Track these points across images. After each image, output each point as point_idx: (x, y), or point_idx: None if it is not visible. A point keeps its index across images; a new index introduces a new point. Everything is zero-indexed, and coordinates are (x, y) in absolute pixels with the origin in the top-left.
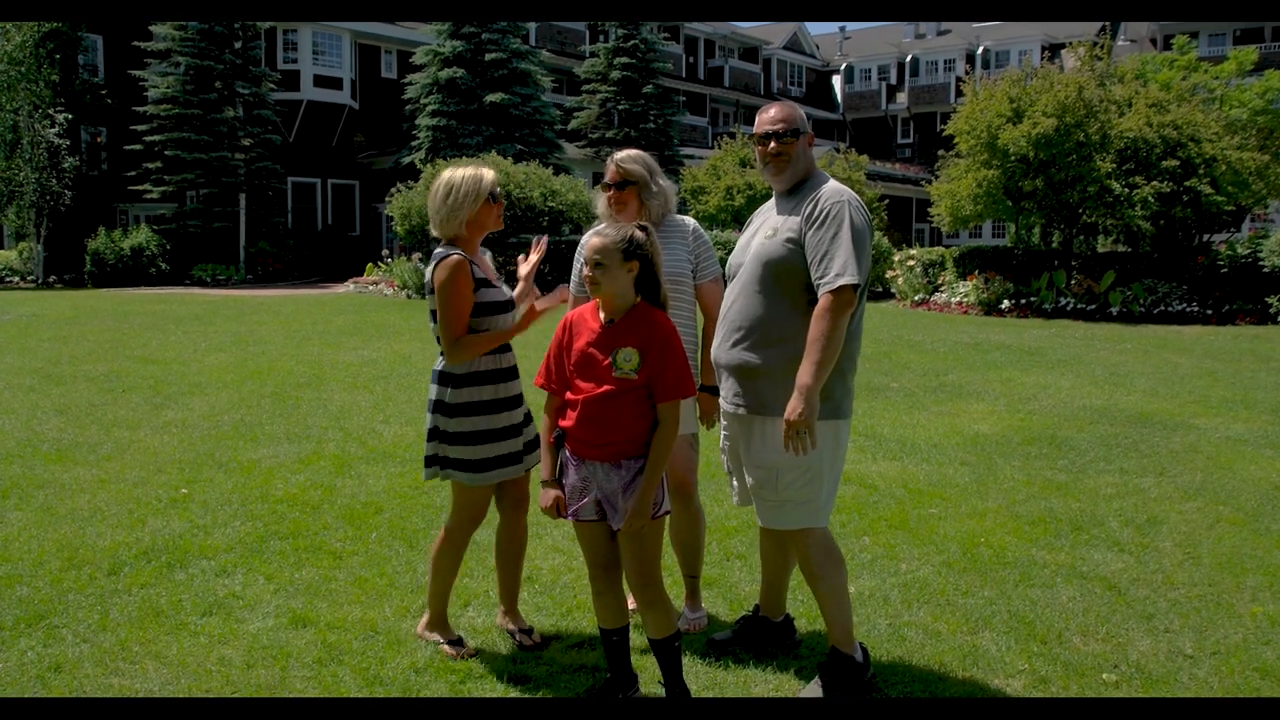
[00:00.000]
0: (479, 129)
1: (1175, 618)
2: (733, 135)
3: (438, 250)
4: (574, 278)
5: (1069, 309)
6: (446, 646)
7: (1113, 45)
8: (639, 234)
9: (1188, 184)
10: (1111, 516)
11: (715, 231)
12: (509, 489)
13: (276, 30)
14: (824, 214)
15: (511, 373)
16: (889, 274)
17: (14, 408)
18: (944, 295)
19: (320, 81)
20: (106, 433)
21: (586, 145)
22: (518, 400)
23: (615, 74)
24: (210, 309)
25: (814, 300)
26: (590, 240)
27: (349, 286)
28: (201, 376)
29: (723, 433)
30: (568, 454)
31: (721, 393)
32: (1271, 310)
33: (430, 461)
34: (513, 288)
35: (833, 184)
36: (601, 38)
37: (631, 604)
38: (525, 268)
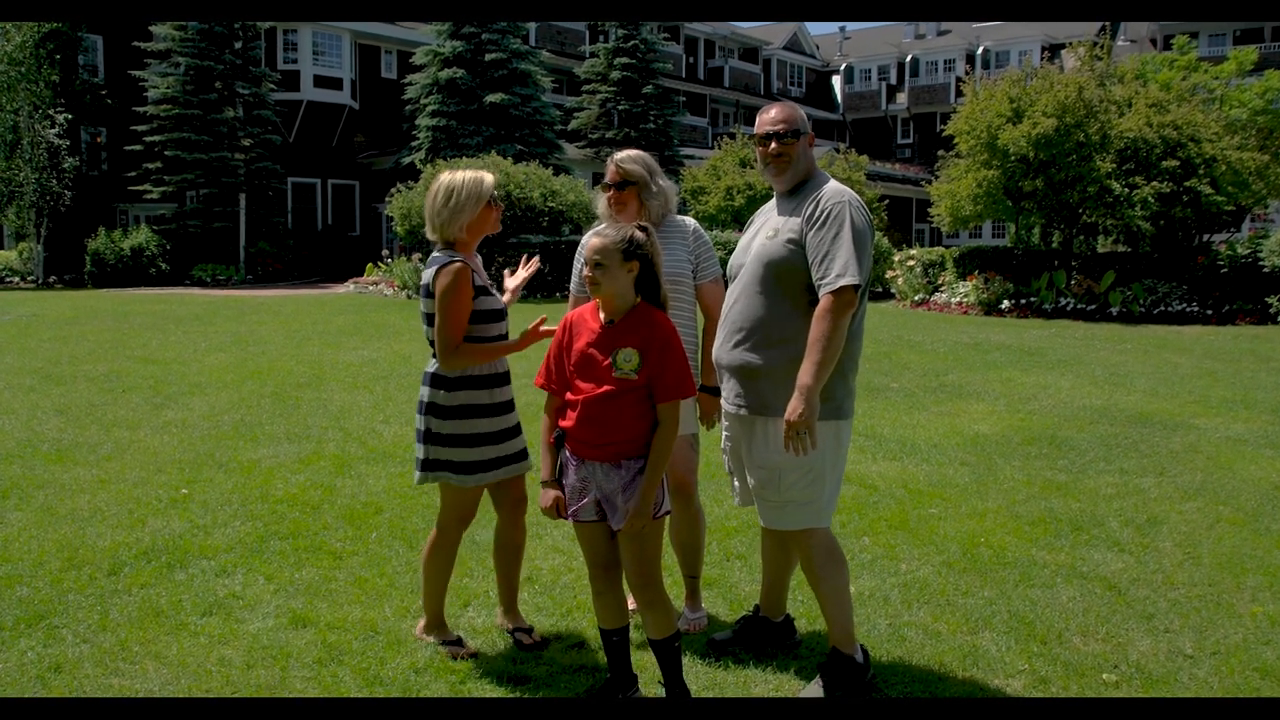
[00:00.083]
0: (479, 129)
1: (1175, 618)
2: (733, 135)
3: (437, 255)
4: (574, 278)
5: (1069, 309)
6: (445, 647)
7: (1113, 45)
8: (639, 234)
9: (1188, 184)
10: (1111, 516)
11: (715, 232)
12: (507, 489)
13: (276, 30)
14: (825, 214)
15: (505, 377)
16: (889, 274)
17: (14, 408)
18: (944, 295)
19: (320, 82)
20: (106, 433)
21: (586, 145)
22: (511, 404)
23: (615, 74)
24: (210, 309)
25: (815, 301)
26: (590, 240)
27: (349, 287)
28: (201, 376)
29: (724, 433)
30: (567, 454)
31: (723, 393)
32: (1271, 310)
33: (422, 465)
34: (500, 294)
35: (834, 184)
36: (601, 38)
37: (631, 604)
38: (513, 281)
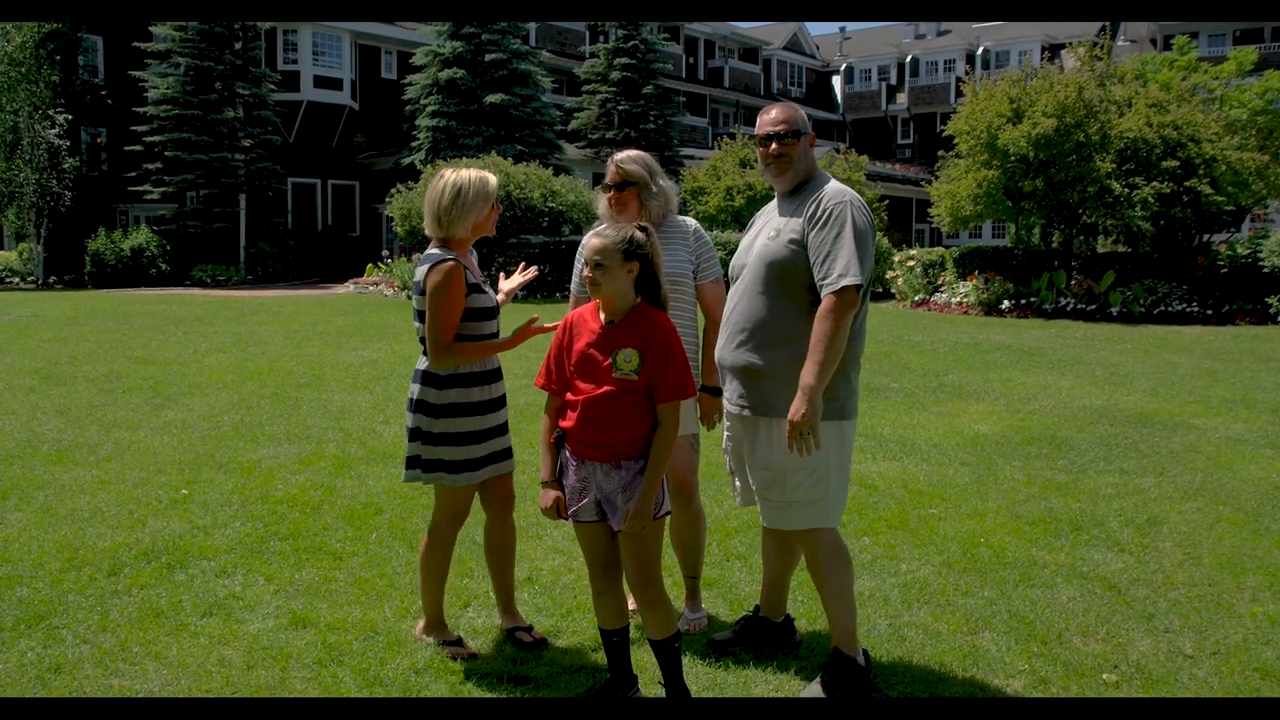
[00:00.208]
0: (479, 130)
1: (1175, 618)
2: (733, 136)
3: (432, 252)
4: (574, 278)
5: (1069, 309)
6: (445, 647)
7: (1112, 45)
8: (639, 234)
9: (1188, 184)
10: (1111, 517)
11: (715, 232)
12: (494, 488)
13: (276, 31)
14: (826, 215)
15: (496, 374)
16: (889, 274)
17: (14, 408)
18: (944, 295)
19: (320, 82)
20: (106, 433)
21: (586, 146)
22: (502, 401)
23: (615, 74)
24: (210, 310)
25: (817, 301)
26: (590, 241)
27: (349, 287)
28: (201, 377)
29: (725, 433)
30: (567, 455)
31: (725, 394)
32: (1271, 310)
33: (412, 463)
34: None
35: (835, 184)
36: (601, 38)
37: (631, 604)
38: (507, 285)
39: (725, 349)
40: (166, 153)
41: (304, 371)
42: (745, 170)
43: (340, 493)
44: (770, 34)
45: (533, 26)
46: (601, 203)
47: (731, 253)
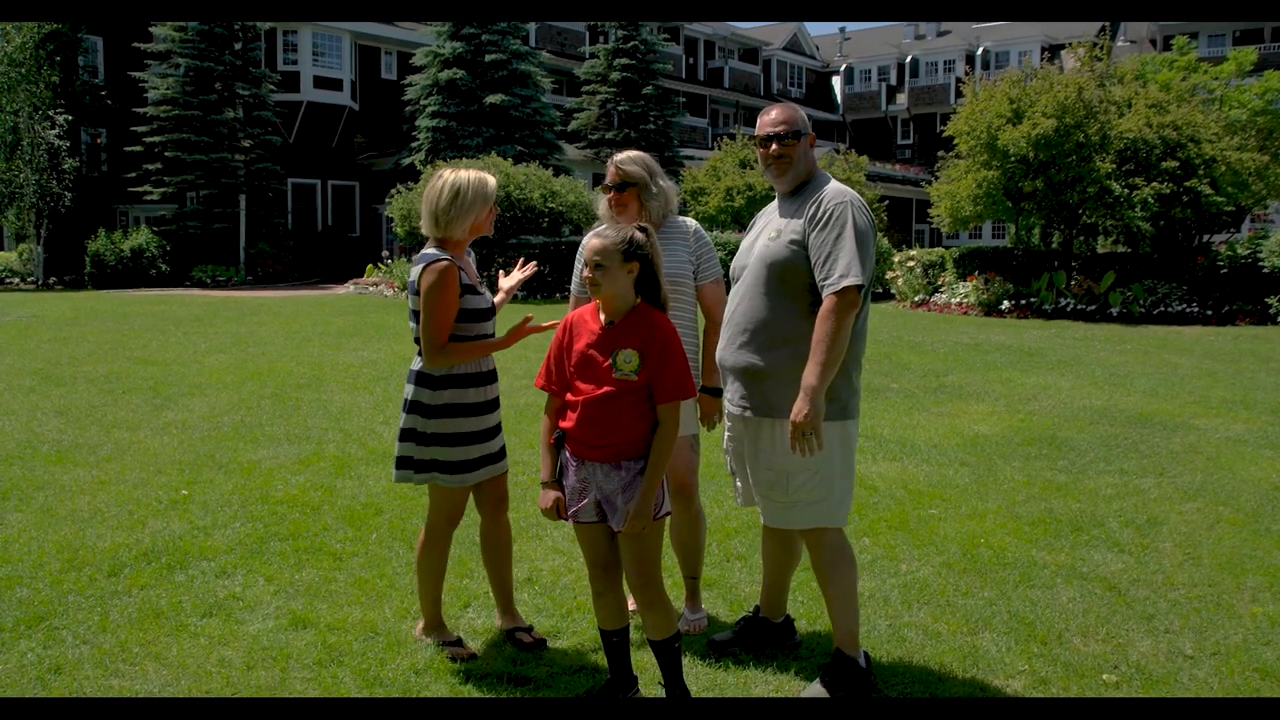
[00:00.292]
0: (479, 130)
1: (1175, 618)
2: (733, 136)
3: (427, 252)
4: (575, 279)
5: (1069, 310)
6: (445, 647)
7: (1112, 46)
8: (639, 235)
9: (1187, 185)
10: (1111, 517)
11: (715, 233)
12: (488, 489)
13: (276, 31)
14: (827, 215)
15: (491, 375)
16: (889, 275)
17: (14, 409)
18: (944, 296)
19: (320, 83)
20: (106, 434)
21: (586, 146)
22: (497, 402)
23: (615, 75)
24: (210, 310)
25: (818, 301)
26: (590, 242)
27: (349, 288)
28: (201, 378)
29: (727, 434)
30: (567, 455)
31: (727, 394)
32: (1271, 311)
33: (403, 464)
34: (492, 294)
35: (835, 185)
36: (601, 39)
37: (631, 605)
38: (507, 282)
39: (727, 350)
40: (166, 153)
41: (304, 372)
42: (745, 171)
43: (340, 493)
44: (770, 34)
45: (533, 27)
46: (602, 203)
47: (732, 253)
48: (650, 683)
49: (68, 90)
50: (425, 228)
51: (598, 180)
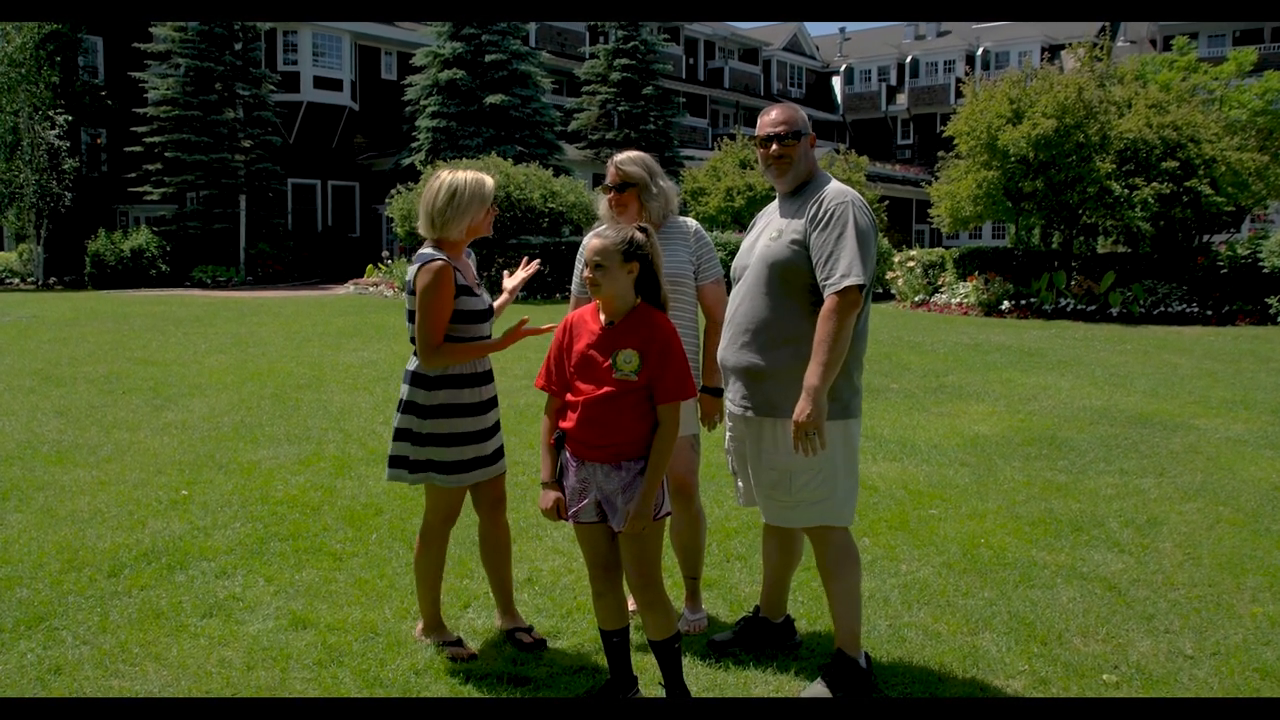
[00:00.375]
0: (479, 130)
1: (1175, 618)
2: (733, 136)
3: (423, 252)
4: (575, 279)
5: (1069, 310)
6: (445, 648)
7: (1112, 46)
8: (639, 235)
9: (1187, 185)
10: (1111, 517)
11: (715, 233)
12: (485, 490)
13: (276, 32)
14: (828, 215)
15: (487, 376)
16: (889, 275)
17: (14, 409)
18: (944, 296)
19: (320, 83)
20: (106, 434)
21: (586, 147)
22: (493, 402)
23: (615, 75)
24: (210, 310)
25: (819, 301)
26: (590, 242)
27: (349, 288)
28: (201, 378)
29: (728, 434)
30: (568, 456)
31: (728, 395)
32: (1271, 311)
33: (397, 463)
34: (495, 295)
35: (836, 185)
36: (601, 39)
37: (631, 605)
38: (511, 282)
39: (728, 350)
40: (166, 153)
41: (304, 372)
42: (745, 171)
43: (340, 494)
44: (770, 35)
45: (533, 27)
46: (602, 204)
47: (732, 253)
48: (650, 683)
49: (68, 90)
50: (422, 228)
51: (598, 180)
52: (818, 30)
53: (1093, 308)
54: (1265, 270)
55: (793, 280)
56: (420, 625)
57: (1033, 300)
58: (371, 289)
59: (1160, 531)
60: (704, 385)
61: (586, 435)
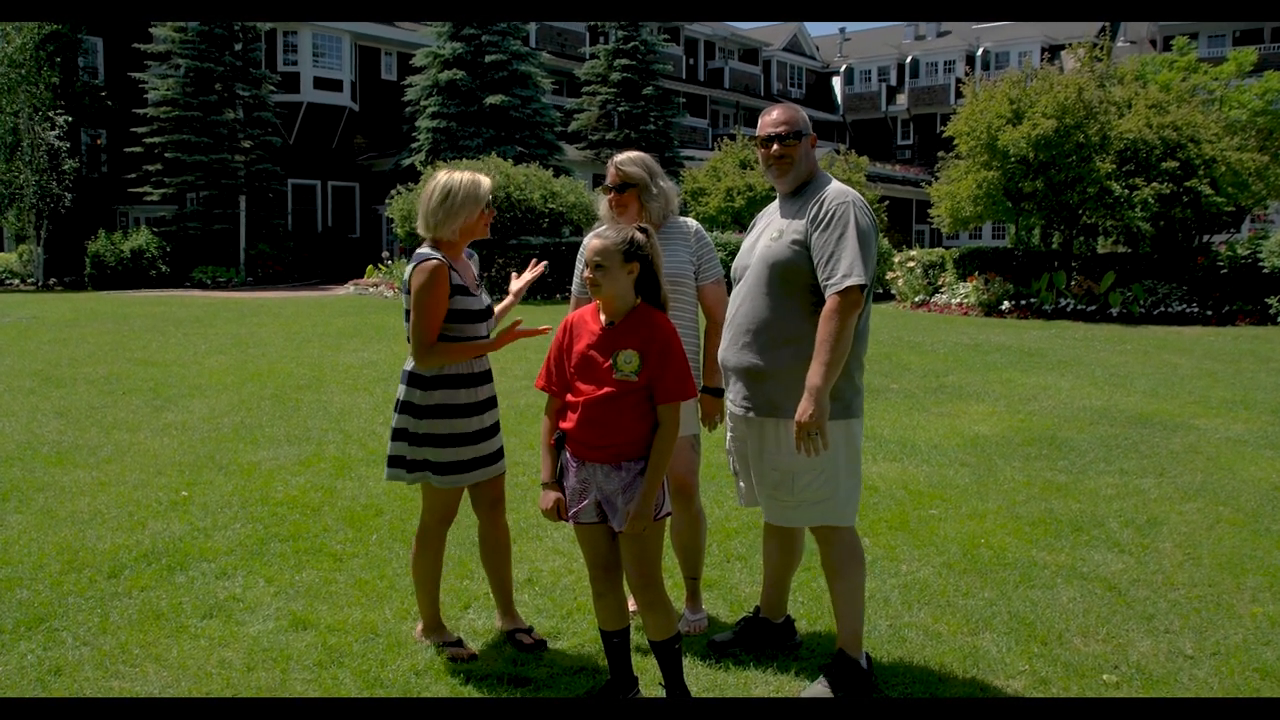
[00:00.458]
0: (479, 131)
1: (1175, 618)
2: (733, 137)
3: (419, 251)
4: (575, 279)
5: (1069, 310)
6: (445, 648)
7: (1112, 46)
8: (639, 235)
9: (1187, 185)
10: (1112, 517)
11: (716, 233)
12: (483, 491)
13: (276, 32)
14: (829, 215)
15: (484, 376)
16: (889, 276)
17: (14, 410)
18: (944, 296)
19: (320, 83)
20: (106, 435)
21: (587, 147)
22: (491, 403)
23: (615, 76)
24: (210, 311)
25: (820, 301)
26: (591, 242)
27: (349, 289)
28: (202, 379)
29: (729, 434)
30: (568, 456)
31: (729, 395)
32: (1271, 311)
33: (394, 463)
34: (496, 297)
35: (837, 185)
36: (601, 39)
37: (632, 606)
38: (517, 284)
39: (729, 350)
40: (166, 154)
41: (304, 373)
42: (745, 171)
43: (340, 494)
44: (770, 35)
45: (533, 27)
46: (602, 204)
47: (732, 253)
48: (651, 683)
49: (68, 91)
50: (419, 228)
51: (598, 181)
52: (818, 30)
53: (1093, 308)
54: (1265, 270)
55: (794, 281)
56: (420, 626)
57: (1033, 300)
58: (371, 290)
59: (1160, 531)
60: (705, 385)
61: (587, 436)
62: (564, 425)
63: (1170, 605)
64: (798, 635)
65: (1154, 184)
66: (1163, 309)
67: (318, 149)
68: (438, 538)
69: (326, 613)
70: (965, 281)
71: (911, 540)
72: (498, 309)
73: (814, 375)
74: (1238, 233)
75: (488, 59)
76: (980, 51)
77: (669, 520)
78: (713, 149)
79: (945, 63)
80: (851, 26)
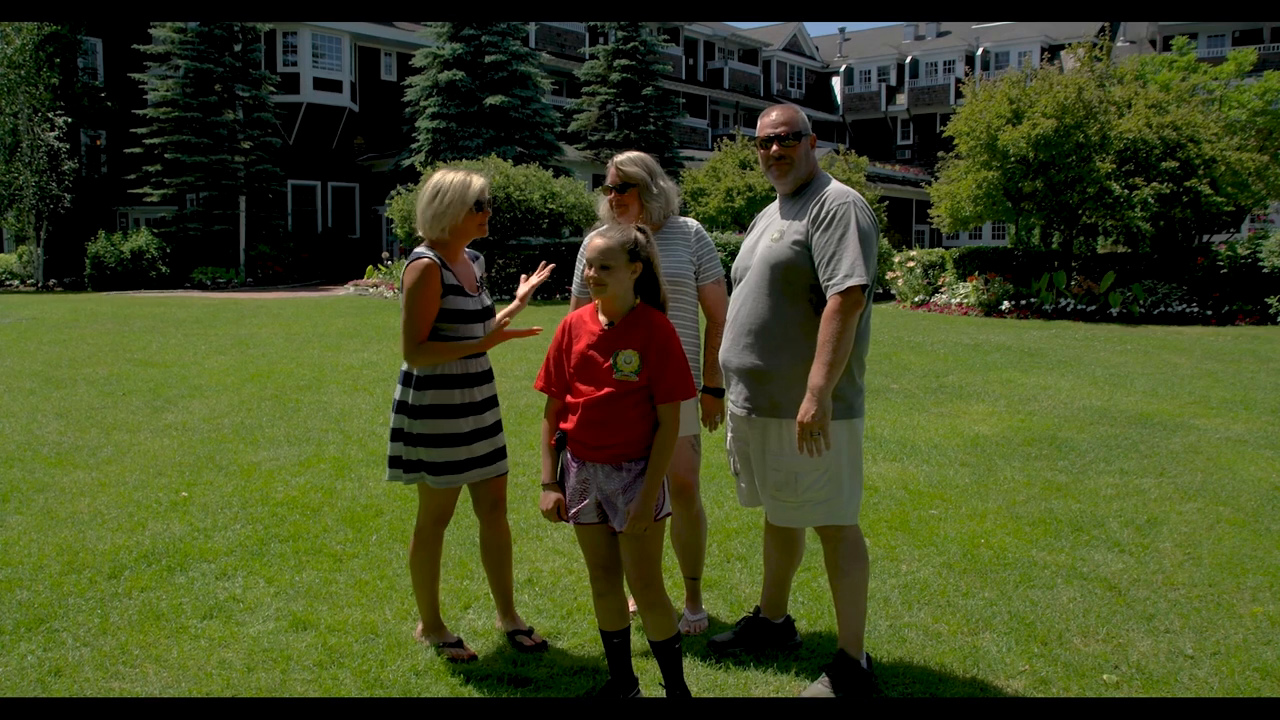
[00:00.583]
0: (479, 131)
1: (1175, 618)
2: (733, 137)
3: (415, 250)
4: (576, 280)
5: (1069, 310)
6: (445, 648)
7: (1112, 46)
8: (640, 235)
9: (1187, 185)
10: (1112, 517)
11: (715, 233)
12: (483, 492)
13: (276, 33)
14: (830, 216)
15: (483, 377)
16: (889, 276)
17: (14, 411)
18: (944, 296)
19: (320, 84)
20: (106, 436)
21: (586, 147)
22: (489, 404)
23: (615, 76)
24: (210, 312)
25: (821, 302)
26: (594, 242)
27: (349, 289)
28: (202, 379)
29: (730, 434)
30: (568, 456)
31: (731, 396)
32: (1271, 311)
33: (394, 463)
34: (497, 297)
35: (837, 185)
36: (601, 40)
37: (632, 606)
38: (524, 288)
39: (730, 351)
40: (166, 155)
41: (304, 374)
42: (745, 171)
43: (340, 495)
44: (770, 35)
45: (532, 28)
46: (602, 205)
47: (732, 254)
48: (651, 683)
49: (67, 92)
50: (416, 227)
51: (598, 181)
52: (817, 30)
53: (1093, 308)
54: (1265, 270)
55: (795, 281)
56: (420, 626)
57: (1033, 300)
58: (371, 290)
59: (1160, 531)
60: (705, 385)
61: (587, 436)
62: (564, 426)
63: (1170, 605)
64: (798, 635)
65: (1154, 184)
66: (1163, 309)
67: (318, 150)
68: (434, 538)
69: (326, 613)
70: (965, 281)
71: (911, 540)
72: (501, 314)
73: (816, 375)
74: (1237, 233)
75: (487, 59)
76: (980, 51)
77: (669, 520)
78: (712, 149)
79: (945, 63)
80: (851, 26)
